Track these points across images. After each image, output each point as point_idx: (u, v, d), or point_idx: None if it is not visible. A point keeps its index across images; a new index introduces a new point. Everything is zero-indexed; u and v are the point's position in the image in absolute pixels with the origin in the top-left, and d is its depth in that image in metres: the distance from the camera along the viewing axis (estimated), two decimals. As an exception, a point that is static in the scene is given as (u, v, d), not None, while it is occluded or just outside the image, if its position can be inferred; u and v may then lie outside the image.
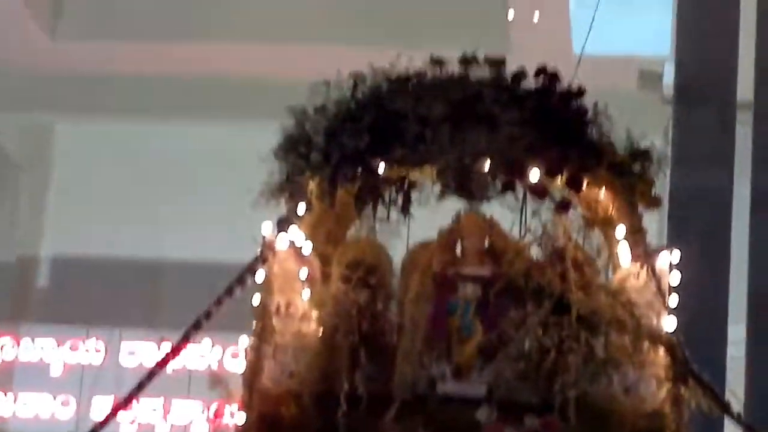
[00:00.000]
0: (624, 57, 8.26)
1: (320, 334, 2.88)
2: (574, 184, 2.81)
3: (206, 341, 9.40)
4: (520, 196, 2.90)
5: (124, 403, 3.17)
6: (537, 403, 2.74)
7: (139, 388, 3.01)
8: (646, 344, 2.80)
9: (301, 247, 2.90)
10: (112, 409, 3.48)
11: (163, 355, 3.10)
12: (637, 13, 8.26)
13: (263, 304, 2.84)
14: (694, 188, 4.84)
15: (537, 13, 6.60)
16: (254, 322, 2.83)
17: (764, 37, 5.92)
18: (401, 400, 2.71)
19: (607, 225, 2.91)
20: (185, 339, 3.00)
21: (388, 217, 2.96)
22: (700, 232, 4.83)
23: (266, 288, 2.83)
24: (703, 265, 4.12)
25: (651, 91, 8.08)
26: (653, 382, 2.80)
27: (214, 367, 9.85)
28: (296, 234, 2.85)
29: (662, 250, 2.95)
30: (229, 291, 2.90)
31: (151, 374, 3.01)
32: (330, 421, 2.71)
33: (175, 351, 3.05)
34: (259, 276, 2.82)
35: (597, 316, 2.76)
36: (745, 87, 5.88)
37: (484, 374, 2.78)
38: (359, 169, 2.82)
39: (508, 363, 2.78)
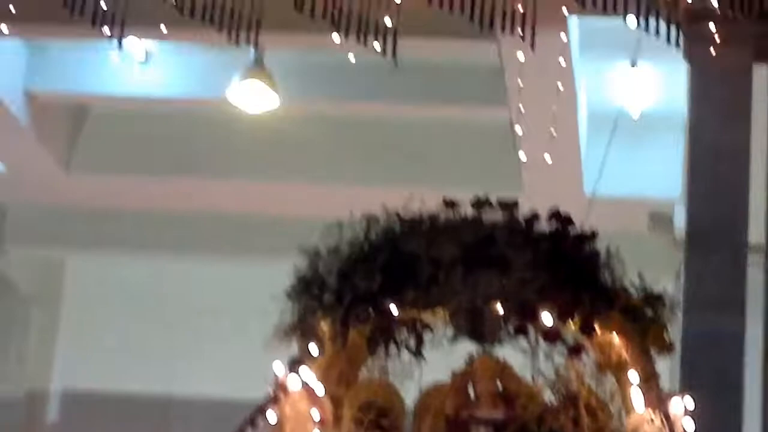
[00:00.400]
0: (635, 199, 8.38)
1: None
2: (586, 328, 2.82)
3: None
4: (533, 339, 2.89)
5: None
6: None
7: None
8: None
9: (312, 388, 2.88)
10: None
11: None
12: (647, 154, 8.50)
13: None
14: (706, 333, 4.84)
15: (548, 156, 6.77)
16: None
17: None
18: None
19: (620, 370, 2.88)
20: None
21: (400, 358, 2.94)
22: (712, 377, 4.77)
23: (278, 429, 2.80)
24: (717, 410, 4.02)
25: (662, 233, 8.12)
26: None
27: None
28: (308, 374, 2.85)
29: (675, 395, 2.90)
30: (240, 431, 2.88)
31: None
32: None
33: None
34: (271, 416, 2.79)
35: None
36: (756, 229, 5.99)
37: None
38: (372, 311, 2.86)
39: None
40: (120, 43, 4.79)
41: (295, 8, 4.29)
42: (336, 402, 2.93)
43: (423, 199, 3.01)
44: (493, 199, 3.04)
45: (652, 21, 4.25)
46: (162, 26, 5.26)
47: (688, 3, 4.69)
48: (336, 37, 4.43)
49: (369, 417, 2.81)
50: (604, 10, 4.01)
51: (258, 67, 6.82)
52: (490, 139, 7.94)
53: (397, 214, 3.00)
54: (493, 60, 6.58)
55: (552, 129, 6.49)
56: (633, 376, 2.85)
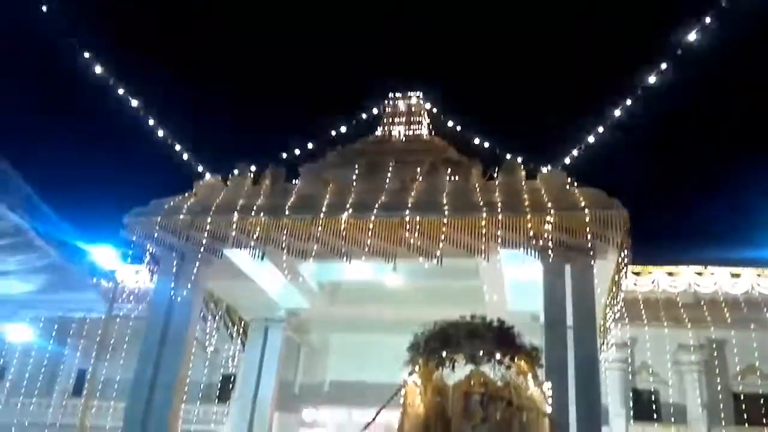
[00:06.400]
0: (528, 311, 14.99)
1: (423, 415, 7.94)
2: (511, 359, 8.14)
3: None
4: (493, 364, 8.18)
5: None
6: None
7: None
8: (541, 416, 7.89)
9: (416, 382, 8.10)
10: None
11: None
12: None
13: (404, 402, 7.96)
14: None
15: (495, 298, 13.36)
16: (401, 408, 7.93)
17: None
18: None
19: (525, 374, 8.18)
20: (370, 422, 8.11)
21: (453, 369, 8.16)
22: (559, 375, 10.39)
23: (405, 395, 8.00)
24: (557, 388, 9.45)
25: (536, 321, 14.81)
26: (544, 430, 7.82)
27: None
28: (415, 377, 8.10)
29: (544, 382, 8.22)
30: (389, 401, 8.09)
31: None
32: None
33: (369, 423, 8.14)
34: (402, 391, 8.01)
35: (524, 406, 7.89)
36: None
37: (483, 426, 7.80)
38: (437, 356, 8.16)
39: (493, 426, 7.82)
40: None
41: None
42: (424, 388, 8.14)
43: (452, 315, 8.45)
44: (477, 316, 8.47)
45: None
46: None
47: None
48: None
49: (436, 393, 8.02)
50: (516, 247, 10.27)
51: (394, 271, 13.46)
52: (475, 293, 14.51)
53: (446, 322, 8.38)
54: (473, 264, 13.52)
55: (494, 296, 13.77)
56: (529, 377, 8.15)
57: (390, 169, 18.34)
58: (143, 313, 21.31)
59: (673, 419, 23.92)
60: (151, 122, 19.50)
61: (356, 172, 18.32)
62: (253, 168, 19.24)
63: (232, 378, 25.91)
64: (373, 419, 8.91)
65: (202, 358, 24.71)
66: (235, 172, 19.30)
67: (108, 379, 26.04)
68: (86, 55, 18.17)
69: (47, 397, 28.03)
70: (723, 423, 23.59)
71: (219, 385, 26.99)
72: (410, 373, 8.14)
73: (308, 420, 24.51)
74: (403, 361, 8.24)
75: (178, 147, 19.66)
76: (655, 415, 24.25)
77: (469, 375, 8.13)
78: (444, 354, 8.14)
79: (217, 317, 21.88)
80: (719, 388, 24.41)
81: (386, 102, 21.81)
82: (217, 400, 26.44)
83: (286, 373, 24.08)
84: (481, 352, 8.09)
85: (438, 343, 8.21)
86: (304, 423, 24.52)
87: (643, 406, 24.55)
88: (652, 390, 24.87)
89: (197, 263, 17.42)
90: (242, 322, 22.87)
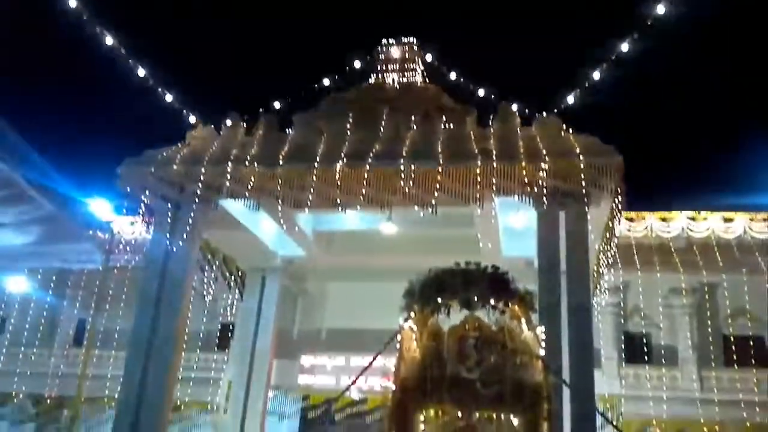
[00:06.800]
0: (522, 257, 15.60)
1: (419, 359, 8.10)
2: (505, 304, 8.26)
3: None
4: (488, 309, 8.30)
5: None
6: (495, 380, 7.91)
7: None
8: (534, 359, 8.06)
9: (412, 328, 8.24)
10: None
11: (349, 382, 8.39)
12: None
13: (400, 348, 8.11)
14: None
15: (489, 245, 13.48)
16: (398, 353, 8.09)
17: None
18: (449, 378, 7.89)
19: (518, 318, 8.32)
20: (367, 366, 8.27)
21: (448, 314, 8.29)
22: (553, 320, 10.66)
23: (401, 341, 8.14)
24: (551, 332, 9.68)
25: (530, 266, 15.51)
26: (538, 372, 8.00)
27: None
28: (411, 323, 8.22)
29: (538, 326, 8.37)
30: (385, 346, 8.24)
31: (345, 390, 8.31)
32: (423, 385, 7.84)
33: (358, 376, 8.31)
34: (399, 337, 8.14)
35: (517, 349, 8.05)
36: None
37: (477, 368, 7.96)
38: (433, 301, 8.27)
39: (488, 368, 7.98)
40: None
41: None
42: (420, 334, 8.28)
43: (447, 262, 8.53)
44: (472, 262, 8.55)
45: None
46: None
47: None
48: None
49: (431, 337, 8.16)
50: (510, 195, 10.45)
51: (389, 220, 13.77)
52: (469, 241, 15.05)
53: (441, 268, 8.46)
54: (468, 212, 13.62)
55: (488, 243, 13.84)
56: (523, 321, 8.29)
57: (384, 117, 18.20)
58: (140, 263, 21.45)
59: (663, 361, 24.47)
60: (141, 72, 19.24)
61: (349, 120, 18.17)
62: (245, 117, 19.10)
63: (231, 326, 26.29)
64: (370, 364, 9.10)
65: (201, 307, 25.00)
66: (228, 121, 19.14)
67: (108, 329, 26.40)
68: (73, 2, 17.77)
69: (48, 347, 28.45)
70: (713, 364, 24.14)
71: (218, 333, 27.43)
72: (406, 319, 8.27)
73: (307, 366, 25.00)
74: (399, 308, 8.35)
75: (169, 97, 19.45)
76: (646, 358, 24.80)
77: (463, 320, 8.25)
78: (439, 300, 8.24)
79: (214, 267, 22.03)
80: (709, 330, 24.93)
81: (379, 48, 21.48)
82: (216, 348, 26.90)
83: (284, 321, 24.42)
84: (476, 298, 8.19)
85: (433, 290, 8.30)
86: (303, 369, 25.01)
87: (635, 348, 25.10)
88: (644, 333, 25.39)
89: (192, 214, 17.43)
90: (239, 272, 23.05)
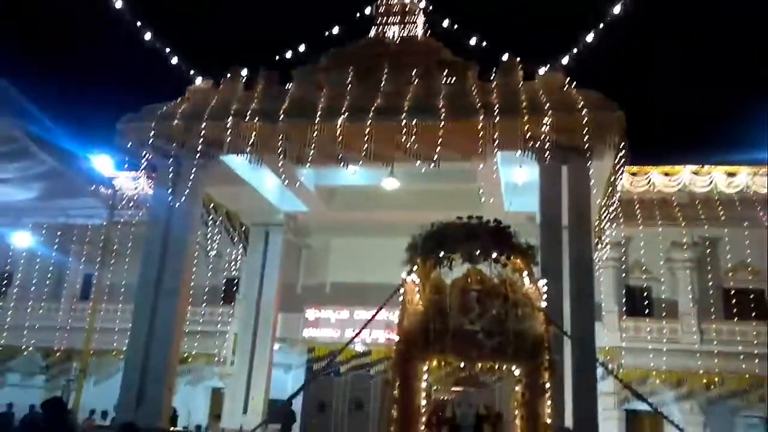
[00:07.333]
0: (523, 212, 16.08)
1: (422, 311, 8.22)
2: (507, 257, 8.34)
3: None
4: (490, 262, 8.38)
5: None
6: (497, 331, 8.03)
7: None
8: (537, 312, 8.18)
9: (415, 281, 8.34)
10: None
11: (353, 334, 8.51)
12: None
13: (404, 301, 8.23)
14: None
15: (491, 201, 13.55)
16: (401, 306, 8.21)
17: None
18: (452, 330, 8.02)
19: (521, 271, 8.41)
20: (371, 319, 8.40)
21: (450, 268, 8.38)
22: (554, 273, 10.75)
23: (405, 294, 8.25)
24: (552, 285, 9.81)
25: (532, 222, 15.69)
26: (539, 324, 8.13)
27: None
28: (414, 276, 8.32)
29: (540, 279, 8.46)
30: (388, 299, 8.35)
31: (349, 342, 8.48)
32: (426, 337, 7.97)
33: (362, 329, 8.44)
34: (402, 290, 8.25)
35: (519, 301, 8.16)
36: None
37: (480, 320, 8.08)
38: (435, 255, 8.35)
39: (490, 320, 8.11)
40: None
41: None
42: (423, 287, 8.38)
43: (449, 217, 8.58)
44: (474, 217, 8.61)
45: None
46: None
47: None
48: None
49: (435, 290, 8.27)
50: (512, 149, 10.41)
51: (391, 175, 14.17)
52: (471, 196, 15.30)
53: (444, 222, 8.52)
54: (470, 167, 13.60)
55: (490, 198, 13.99)
56: (525, 274, 8.38)
57: (384, 71, 18.04)
58: (144, 219, 21.57)
59: (664, 314, 24.73)
60: (140, 27, 18.99)
61: (350, 75, 18.01)
62: (245, 72, 18.92)
63: (236, 281, 26.55)
64: (374, 316, 9.23)
65: (205, 262, 25.22)
66: (227, 76, 18.98)
67: (114, 283, 26.69)
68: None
69: (56, 302, 28.79)
70: (713, 317, 24.40)
71: (223, 287, 27.70)
72: (409, 273, 8.36)
73: (311, 319, 25.34)
74: (402, 262, 8.44)
75: (168, 50, 19.25)
76: (646, 311, 25.06)
77: (466, 273, 8.35)
78: (442, 253, 8.33)
79: (217, 222, 22.16)
80: (710, 284, 25.10)
81: (379, 1, 21.14)
82: (222, 302, 27.22)
83: (288, 275, 24.65)
84: (478, 251, 8.28)
85: (436, 243, 8.38)
86: (307, 322, 25.35)
87: (636, 302, 25.33)
88: (645, 287, 25.58)
89: (194, 169, 17.45)
90: (243, 227, 23.19)
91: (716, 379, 23.18)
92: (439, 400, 7.98)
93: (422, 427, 7.77)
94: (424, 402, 7.91)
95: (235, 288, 26.56)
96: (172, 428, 18.19)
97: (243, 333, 21.97)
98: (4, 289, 29.87)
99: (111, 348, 24.98)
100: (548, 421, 7.71)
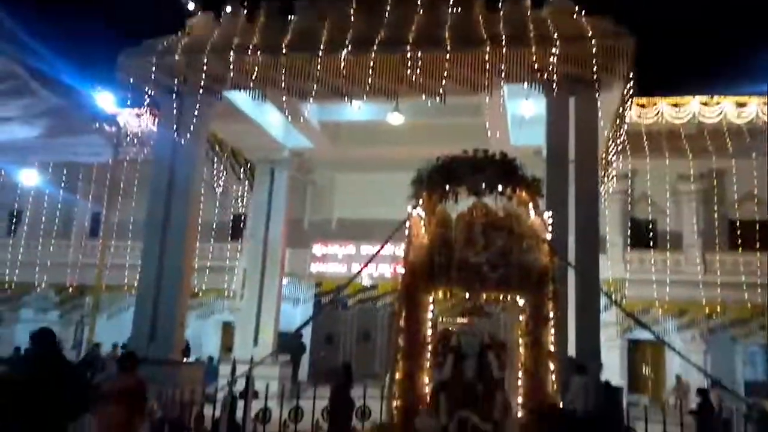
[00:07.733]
0: (530, 146, 16.83)
1: (428, 244, 8.29)
2: (513, 190, 8.34)
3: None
4: (495, 195, 8.39)
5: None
6: (501, 263, 8.11)
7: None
8: (542, 244, 8.23)
9: (421, 215, 8.38)
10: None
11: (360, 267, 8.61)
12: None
13: (409, 234, 8.29)
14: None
15: (498, 134, 13.45)
16: (407, 239, 8.28)
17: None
18: (457, 262, 8.10)
19: (525, 204, 8.43)
20: (378, 251, 8.48)
21: (456, 201, 8.39)
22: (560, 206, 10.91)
23: (410, 227, 8.31)
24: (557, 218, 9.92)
25: (538, 155, 15.78)
26: (544, 255, 8.20)
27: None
28: (420, 210, 8.35)
29: (545, 212, 8.49)
30: (394, 232, 8.41)
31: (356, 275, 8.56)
32: (431, 269, 8.07)
33: (368, 261, 8.53)
34: (408, 223, 8.30)
35: (524, 233, 8.21)
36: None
37: (485, 252, 8.15)
38: (442, 188, 8.36)
39: (495, 252, 8.18)
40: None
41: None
42: (429, 220, 8.43)
43: (455, 152, 8.54)
44: (480, 150, 8.56)
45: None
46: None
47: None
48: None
49: (441, 224, 8.32)
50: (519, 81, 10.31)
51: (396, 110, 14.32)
52: (478, 130, 15.41)
53: (450, 156, 8.49)
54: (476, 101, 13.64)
55: (497, 132, 13.84)
56: (529, 207, 8.40)
57: (388, 1, 17.61)
58: (150, 156, 21.56)
59: (668, 246, 24.87)
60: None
61: (353, 5, 17.59)
62: (245, 3, 18.50)
63: (243, 217, 26.72)
64: (380, 249, 9.33)
65: (212, 199, 25.34)
66: (228, 8, 18.58)
67: (122, 221, 26.93)
68: None
69: (65, 239, 29.12)
70: (717, 248, 24.53)
71: (231, 224, 27.93)
72: (414, 206, 8.39)
73: (318, 254, 25.60)
74: (407, 197, 8.45)
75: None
76: (651, 243, 25.19)
77: (471, 206, 8.37)
78: (447, 187, 8.34)
79: (222, 159, 22.12)
80: (716, 215, 25.13)
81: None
82: (230, 238, 27.49)
83: (295, 211, 24.78)
84: (483, 185, 8.28)
85: (441, 177, 8.38)
86: (314, 258, 25.63)
87: (641, 234, 25.46)
88: (650, 219, 25.64)
89: (197, 105, 17.30)
90: (248, 164, 23.16)
91: (718, 309, 23.50)
92: (445, 330, 8.12)
93: (428, 356, 7.95)
94: (429, 332, 8.07)
95: (242, 224, 26.76)
96: (185, 359, 18.67)
97: (252, 268, 22.25)
98: (14, 227, 30.21)
99: (122, 284, 25.41)
100: (552, 349, 7.87)
